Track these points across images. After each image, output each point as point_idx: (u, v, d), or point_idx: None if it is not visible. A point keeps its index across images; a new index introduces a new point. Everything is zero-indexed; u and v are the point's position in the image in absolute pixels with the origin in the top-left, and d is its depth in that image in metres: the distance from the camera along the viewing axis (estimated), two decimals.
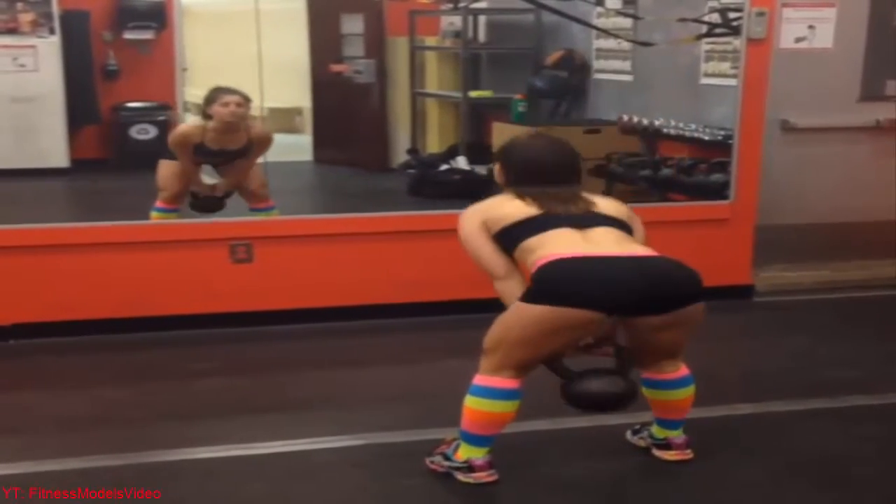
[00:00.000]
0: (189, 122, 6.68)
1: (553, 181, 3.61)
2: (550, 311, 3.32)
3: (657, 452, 3.82)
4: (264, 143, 6.07)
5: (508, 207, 3.56)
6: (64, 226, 5.57)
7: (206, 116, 5.84)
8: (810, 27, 5.98)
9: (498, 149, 3.88)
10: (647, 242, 3.62)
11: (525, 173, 3.64)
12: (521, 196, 3.58)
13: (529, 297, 3.38)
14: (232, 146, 5.89)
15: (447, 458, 3.63)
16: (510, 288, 3.49)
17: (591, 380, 3.44)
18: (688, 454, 3.78)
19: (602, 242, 3.45)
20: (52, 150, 8.95)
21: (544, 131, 5.94)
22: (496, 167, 3.77)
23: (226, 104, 5.77)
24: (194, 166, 5.92)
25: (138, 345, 5.19)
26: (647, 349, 3.58)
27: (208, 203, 5.97)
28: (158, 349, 5.16)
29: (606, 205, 3.67)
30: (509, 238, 3.52)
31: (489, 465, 3.56)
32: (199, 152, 5.86)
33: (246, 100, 5.85)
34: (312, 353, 5.17)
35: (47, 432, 4.10)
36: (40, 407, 4.42)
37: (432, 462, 3.68)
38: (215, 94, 5.84)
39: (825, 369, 4.89)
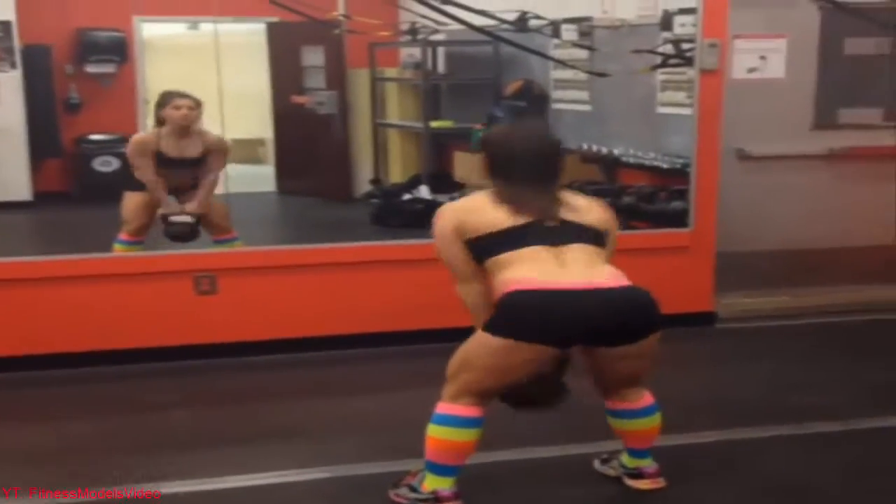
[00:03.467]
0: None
1: (536, 173, 3.59)
2: (511, 344, 3.39)
3: (630, 482, 3.84)
4: (221, 150, 6.13)
5: (486, 215, 3.52)
6: (26, 259, 5.55)
7: (159, 122, 5.92)
8: (762, 58, 6.08)
9: (482, 139, 3.84)
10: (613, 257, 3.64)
11: (508, 165, 3.60)
12: (500, 197, 3.54)
13: (492, 326, 3.44)
14: (189, 153, 5.94)
15: (414, 489, 3.64)
16: (471, 292, 3.55)
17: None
18: (660, 483, 3.81)
19: (572, 265, 3.45)
20: (15, 183, 8.94)
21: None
22: (480, 157, 3.71)
23: (178, 107, 5.86)
24: (159, 181, 5.92)
25: (103, 378, 5.18)
26: (607, 377, 3.64)
27: (182, 229, 5.97)
28: (123, 382, 5.15)
29: (587, 209, 3.65)
30: (482, 248, 3.51)
31: (456, 496, 3.58)
32: (161, 162, 5.90)
33: (197, 103, 5.94)
34: (279, 385, 5.18)
35: (9, 467, 4.07)
36: (2, 441, 4.40)
37: (397, 494, 3.69)
38: (167, 98, 5.94)
39: (790, 395, 4.93)
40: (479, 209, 3.54)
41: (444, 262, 3.59)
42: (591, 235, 3.57)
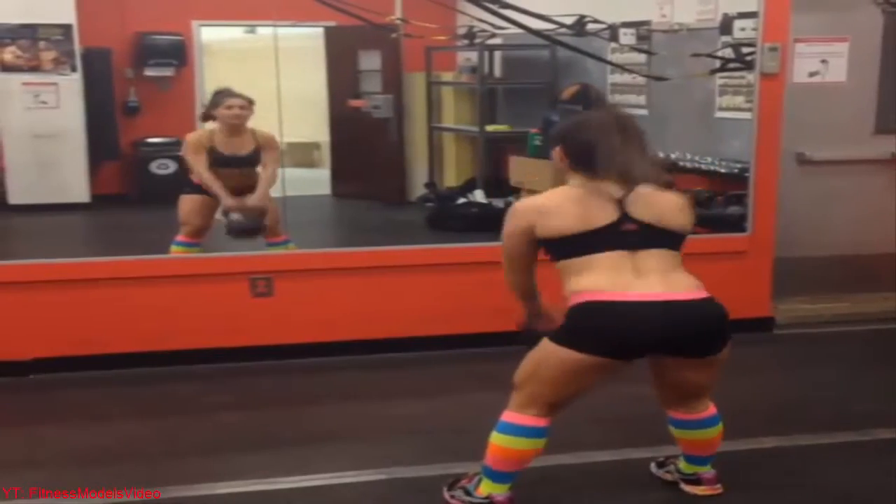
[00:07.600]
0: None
1: (620, 144, 3.34)
2: (579, 356, 3.33)
3: (687, 487, 3.80)
4: (272, 145, 6.18)
5: (560, 218, 3.39)
6: (84, 260, 5.60)
7: (210, 118, 6.02)
8: (823, 61, 6.02)
9: (558, 130, 3.67)
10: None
11: (590, 147, 3.38)
12: (584, 188, 3.40)
13: (561, 337, 3.38)
14: (242, 151, 6.01)
15: (468, 493, 3.62)
16: (518, 283, 3.61)
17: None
18: (718, 489, 3.77)
19: (649, 275, 3.36)
20: (74, 185, 9.07)
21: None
22: (556, 151, 3.53)
23: (230, 107, 5.96)
24: (214, 178, 5.95)
25: (159, 379, 5.21)
26: (673, 387, 3.57)
27: (246, 225, 5.99)
28: (179, 383, 5.18)
29: (669, 209, 3.46)
30: (556, 249, 3.43)
31: (510, 501, 3.56)
32: (214, 159, 5.96)
33: (249, 102, 6.02)
34: (333, 387, 5.18)
35: (67, 467, 4.11)
36: (60, 441, 4.44)
37: (452, 496, 3.67)
38: (219, 98, 6.03)
39: (850, 402, 4.86)
40: (555, 211, 3.41)
41: (504, 249, 3.56)
42: (669, 240, 3.43)
